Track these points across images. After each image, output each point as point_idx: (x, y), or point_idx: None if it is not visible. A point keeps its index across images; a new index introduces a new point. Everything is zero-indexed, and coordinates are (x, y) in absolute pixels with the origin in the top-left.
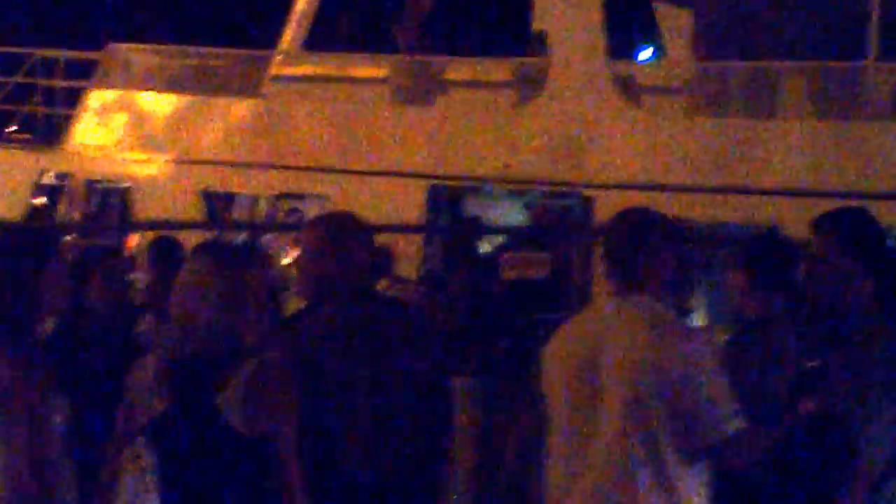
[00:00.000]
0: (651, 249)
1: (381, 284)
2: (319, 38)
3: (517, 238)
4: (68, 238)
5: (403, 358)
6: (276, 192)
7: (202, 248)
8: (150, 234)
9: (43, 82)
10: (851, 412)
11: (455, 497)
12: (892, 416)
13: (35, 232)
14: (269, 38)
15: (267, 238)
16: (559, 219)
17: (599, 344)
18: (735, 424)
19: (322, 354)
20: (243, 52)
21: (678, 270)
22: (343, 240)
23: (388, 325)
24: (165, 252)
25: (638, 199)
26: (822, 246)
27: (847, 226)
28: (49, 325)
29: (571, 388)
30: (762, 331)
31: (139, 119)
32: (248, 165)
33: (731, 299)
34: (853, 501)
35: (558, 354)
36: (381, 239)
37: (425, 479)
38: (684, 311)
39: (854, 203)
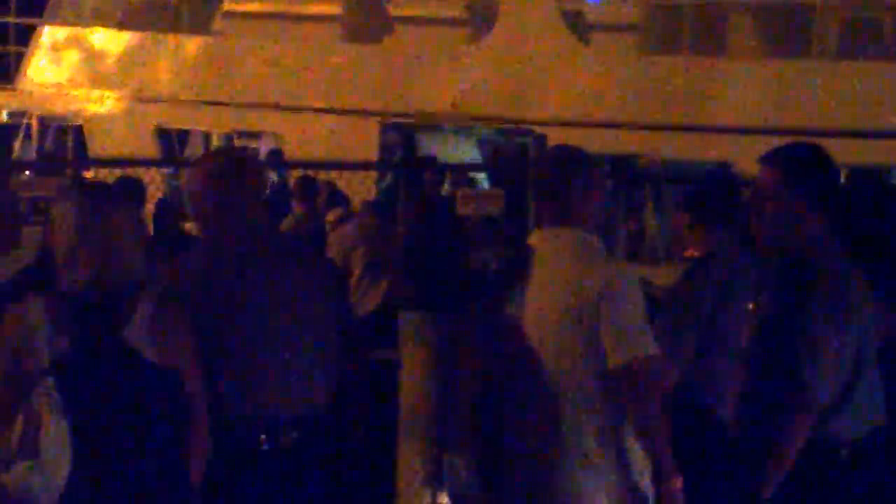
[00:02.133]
0: (578, 185)
1: (334, 214)
2: None
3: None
4: (25, 174)
5: (304, 291)
6: (229, 130)
7: (76, 186)
8: (104, 172)
9: None
10: (797, 349)
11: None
12: (835, 352)
13: None
14: None
15: None
16: (512, 155)
17: (534, 276)
18: (648, 349)
19: (214, 283)
20: None
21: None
22: (228, 176)
23: (283, 258)
24: (133, 190)
25: (588, 136)
26: (770, 181)
27: (795, 160)
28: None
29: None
30: (707, 267)
31: (92, 56)
32: (201, 103)
33: (676, 238)
34: (799, 435)
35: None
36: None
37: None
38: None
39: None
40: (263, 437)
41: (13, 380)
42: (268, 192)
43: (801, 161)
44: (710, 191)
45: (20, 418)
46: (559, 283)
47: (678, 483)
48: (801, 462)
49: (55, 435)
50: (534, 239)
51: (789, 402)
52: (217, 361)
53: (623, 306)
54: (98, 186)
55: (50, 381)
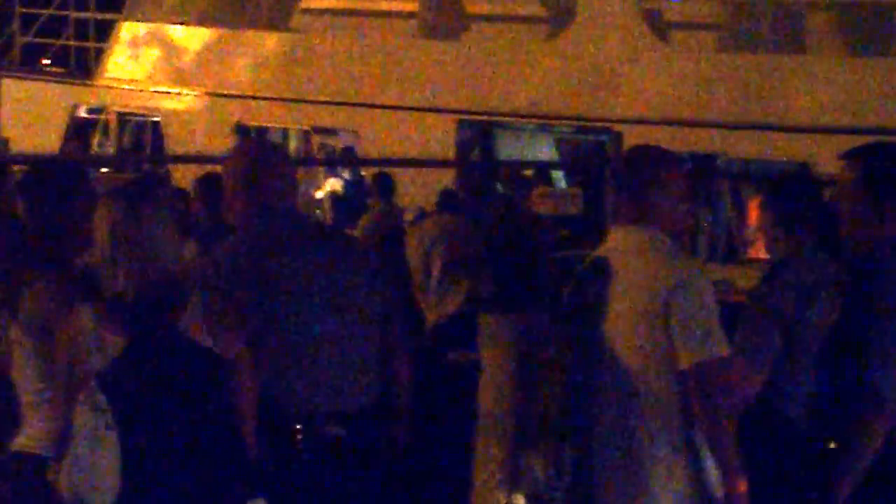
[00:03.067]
0: (654, 183)
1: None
2: None
3: (547, 173)
4: (103, 171)
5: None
6: (307, 126)
7: (113, 193)
8: (181, 168)
9: (75, 14)
10: (867, 353)
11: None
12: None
13: (70, 166)
14: None
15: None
16: (590, 154)
17: (612, 273)
18: (719, 349)
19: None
20: None
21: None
22: (256, 168)
23: (320, 245)
24: (214, 186)
25: (666, 134)
26: (849, 181)
27: (873, 160)
28: (94, 256)
29: (590, 317)
30: (789, 270)
31: (170, 52)
32: (279, 99)
33: (752, 238)
34: (872, 438)
35: (590, 285)
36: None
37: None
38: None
39: (885, 139)
40: (300, 428)
41: (66, 384)
42: (342, 189)
43: (880, 160)
44: (792, 191)
45: (68, 418)
46: (632, 283)
47: (743, 486)
48: (876, 465)
49: (101, 435)
50: (610, 238)
51: (861, 406)
52: (257, 350)
53: (695, 305)
54: (128, 189)
55: (94, 384)
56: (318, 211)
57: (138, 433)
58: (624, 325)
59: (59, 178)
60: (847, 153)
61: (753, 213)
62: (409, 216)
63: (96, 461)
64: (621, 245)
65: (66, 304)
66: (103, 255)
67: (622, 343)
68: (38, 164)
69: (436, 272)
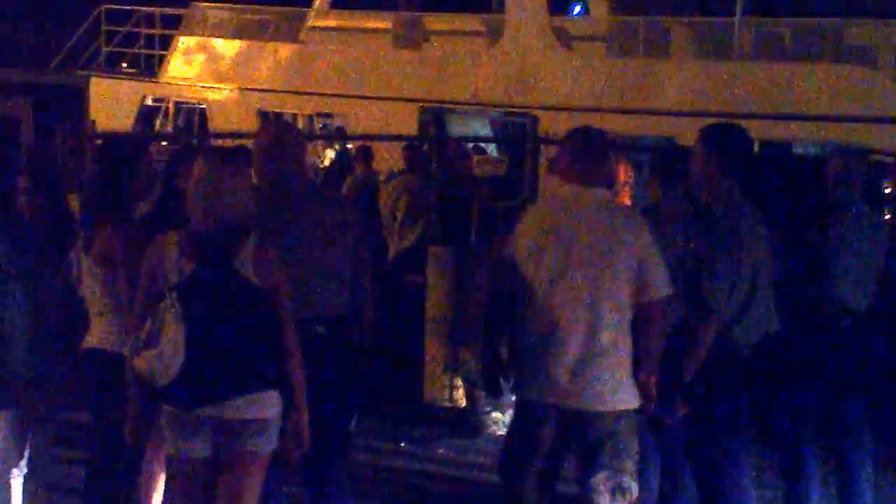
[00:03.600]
0: (601, 154)
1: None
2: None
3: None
4: (163, 144)
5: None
6: (311, 112)
7: (215, 151)
8: (221, 142)
9: (145, 32)
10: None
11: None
12: (730, 275)
13: (136, 140)
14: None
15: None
16: (515, 131)
17: (565, 220)
18: (669, 289)
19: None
20: (289, 9)
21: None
22: (275, 143)
23: (316, 201)
24: (242, 155)
25: (570, 118)
26: (701, 149)
27: (714, 132)
28: (146, 207)
29: (548, 256)
30: (655, 216)
31: (213, 58)
32: (291, 92)
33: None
34: (703, 339)
35: (528, 231)
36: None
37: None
38: None
39: (728, 120)
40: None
41: (149, 292)
42: (335, 158)
43: (724, 138)
44: (666, 156)
45: (149, 321)
46: (601, 234)
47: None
48: (709, 362)
49: (174, 335)
50: (563, 192)
51: (696, 316)
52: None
53: (651, 254)
54: (213, 151)
55: (174, 295)
56: (319, 174)
57: (197, 330)
58: (586, 268)
59: (125, 148)
60: (701, 130)
61: (622, 172)
62: (381, 177)
63: (165, 349)
64: (576, 201)
65: (130, 242)
66: (189, 197)
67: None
68: (113, 139)
69: (399, 217)
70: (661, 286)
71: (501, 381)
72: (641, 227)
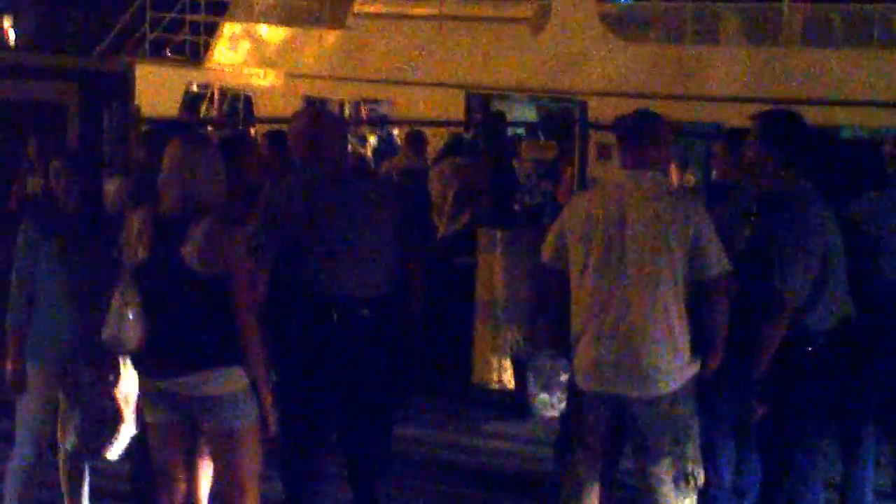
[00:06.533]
0: (656, 137)
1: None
2: None
3: (533, 130)
4: (209, 129)
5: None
6: (357, 98)
7: (182, 136)
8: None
9: (190, 18)
10: (771, 259)
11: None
12: (801, 263)
13: (183, 125)
14: None
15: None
16: (562, 117)
17: (623, 205)
18: (727, 264)
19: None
20: None
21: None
22: (312, 126)
23: (357, 181)
24: (278, 141)
25: (617, 104)
26: (755, 135)
27: (770, 121)
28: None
29: (598, 240)
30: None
31: (258, 44)
32: (337, 78)
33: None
34: (776, 328)
35: (581, 214)
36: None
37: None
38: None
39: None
40: (336, 308)
41: (116, 265)
42: (377, 143)
43: (776, 122)
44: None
45: (116, 295)
46: (657, 217)
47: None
48: (782, 351)
49: (132, 312)
50: (619, 176)
51: (766, 303)
52: (307, 253)
53: (706, 232)
54: (189, 137)
55: (129, 279)
56: (367, 157)
57: (150, 310)
58: (643, 250)
59: (172, 133)
60: (753, 115)
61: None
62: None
63: (125, 322)
64: (632, 184)
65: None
66: (162, 178)
67: (641, 263)
68: (160, 124)
69: (449, 199)
70: (717, 262)
71: (549, 361)
72: (695, 207)
